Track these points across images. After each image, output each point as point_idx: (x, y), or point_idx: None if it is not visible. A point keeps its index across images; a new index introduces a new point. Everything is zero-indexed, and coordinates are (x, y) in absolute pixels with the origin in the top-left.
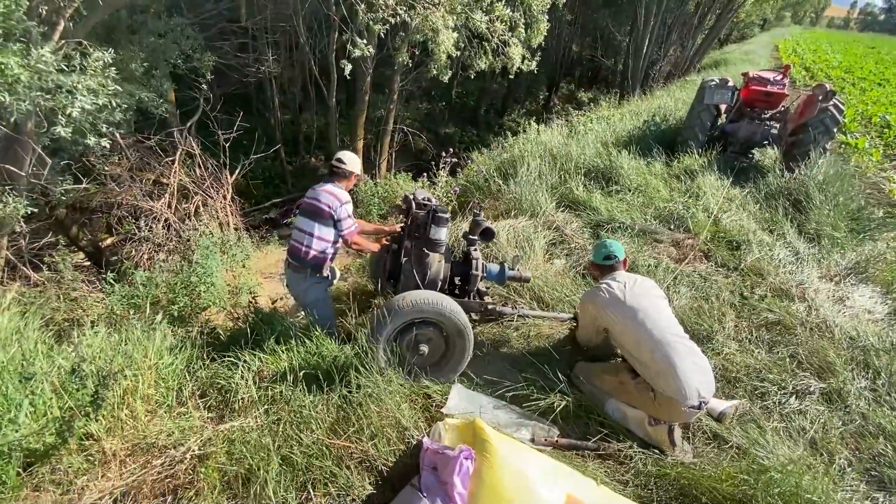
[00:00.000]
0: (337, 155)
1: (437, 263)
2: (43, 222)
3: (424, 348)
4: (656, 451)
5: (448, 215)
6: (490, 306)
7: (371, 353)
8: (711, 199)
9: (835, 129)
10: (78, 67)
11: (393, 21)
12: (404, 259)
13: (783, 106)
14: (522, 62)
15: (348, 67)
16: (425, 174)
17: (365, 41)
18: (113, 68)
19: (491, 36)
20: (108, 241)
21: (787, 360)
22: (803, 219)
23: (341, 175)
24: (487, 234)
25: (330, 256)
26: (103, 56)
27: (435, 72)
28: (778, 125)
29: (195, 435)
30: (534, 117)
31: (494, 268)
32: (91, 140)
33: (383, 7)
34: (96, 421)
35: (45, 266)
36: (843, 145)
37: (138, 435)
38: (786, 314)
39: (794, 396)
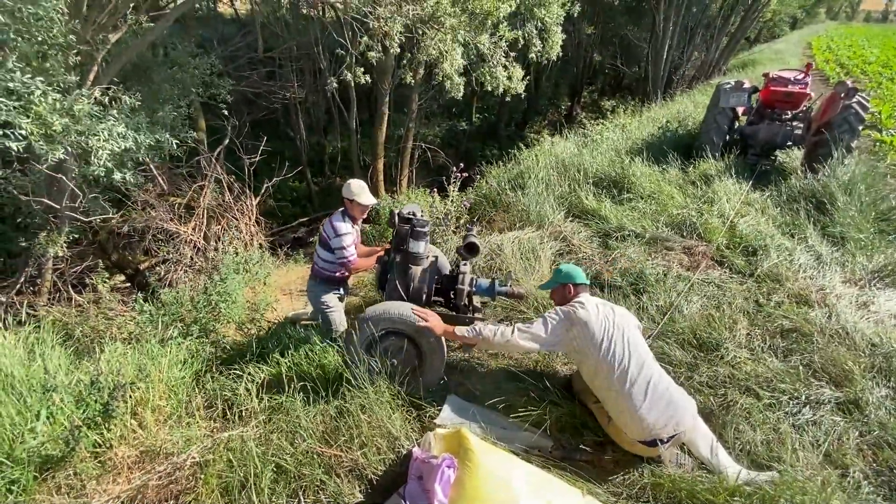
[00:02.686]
0: None
1: (421, 276)
2: (86, 247)
3: (395, 359)
4: (651, 461)
5: (426, 229)
6: (479, 321)
7: (357, 363)
8: (727, 204)
9: (859, 127)
10: (110, 115)
11: (391, 50)
12: (390, 272)
13: (805, 105)
14: (510, 81)
15: (332, 85)
16: (435, 189)
17: (363, 69)
18: (142, 113)
19: (490, 57)
20: (146, 263)
21: (801, 368)
22: (827, 221)
23: (344, 203)
24: (471, 249)
25: (335, 274)
26: (131, 101)
27: (449, 88)
28: (802, 125)
29: (198, 443)
30: (555, 128)
31: (484, 283)
32: (117, 176)
33: (380, 36)
34: (108, 430)
35: (87, 288)
36: (877, 143)
37: (146, 443)
38: (803, 321)
39: (807, 406)
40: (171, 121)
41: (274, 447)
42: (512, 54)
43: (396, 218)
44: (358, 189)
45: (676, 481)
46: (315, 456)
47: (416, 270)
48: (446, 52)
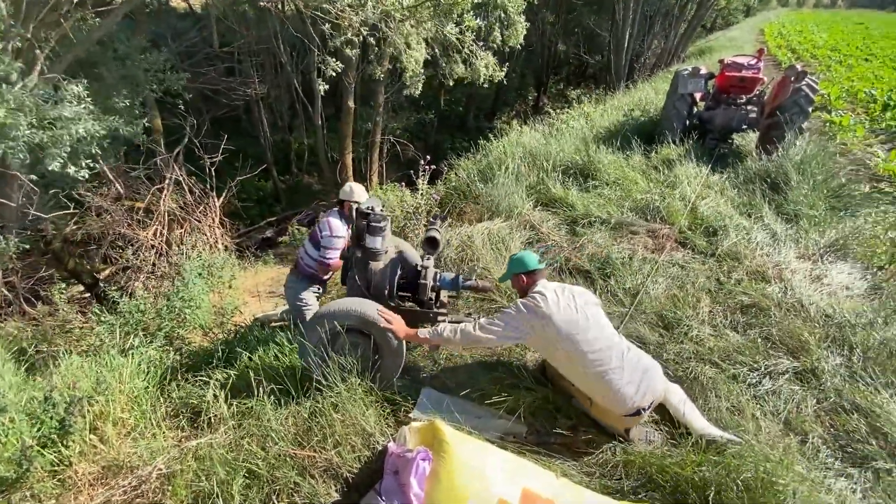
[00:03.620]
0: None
1: (382, 271)
2: (40, 257)
3: (351, 356)
4: (623, 440)
5: (384, 224)
6: (441, 317)
7: (313, 364)
8: (689, 188)
9: (809, 109)
10: (55, 101)
11: (357, 39)
12: (350, 269)
13: (758, 90)
14: (489, 70)
15: (323, 87)
16: (404, 183)
17: (335, 59)
18: (89, 99)
19: (461, 47)
20: (105, 272)
21: (761, 341)
22: (781, 200)
23: (341, 203)
24: (431, 243)
25: (317, 271)
26: (77, 89)
27: (408, 83)
28: (756, 109)
29: (164, 454)
30: (523, 119)
31: (449, 277)
32: (71, 169)
33: (346, 27)
34: (66, 447)
35: (41, 300)
36: (827, 124)
37: (108, 458)
38: (761, 296)
39: (767, 377)
40: (124, 108)
41: (245, 453)
42: (480, 44)
43: (354, 213)
44: (359, 191)
45: (647, 457)
46: (288, 458)
47: (375, 266)
48: (409, 43)
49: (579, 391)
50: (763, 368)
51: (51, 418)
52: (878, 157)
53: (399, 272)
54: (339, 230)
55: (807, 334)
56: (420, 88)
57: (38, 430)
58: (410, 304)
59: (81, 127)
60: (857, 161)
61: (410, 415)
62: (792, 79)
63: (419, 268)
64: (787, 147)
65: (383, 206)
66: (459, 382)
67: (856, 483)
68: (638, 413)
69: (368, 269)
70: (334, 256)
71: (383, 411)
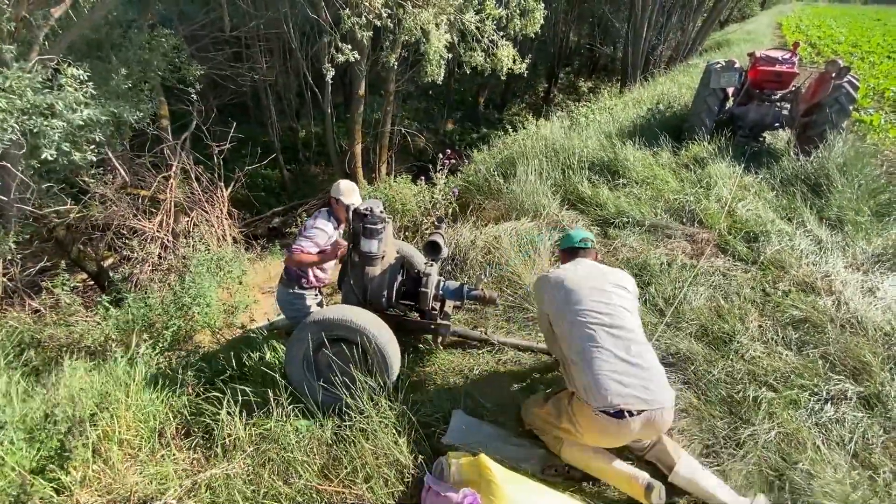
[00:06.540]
0: None
1: (379, 277)
2: (43, 244)
3: (341, 369)
4: None
5: (381, 226)
6: (443, 328)
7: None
8: (724, 189)
9: (850, 108)
10: (55, 87)
11: (379, 23)
12: (347, 273)
13: (794, 86)
14: (514, 63)
15: (331, 73)
16: (423, 177)
17: (350, 46)
18: (90, 83)
19: (481, 36)
20: (110, 259)
21: (819, 361)
22: (823, 204)
23: (330, 202)
24: (432, 249)
25: (309, 272)
26: (78, 72)
27: (428, 72)
28: (788, 106)
29: (177, 480)
30: (534, 110)
31: (453, 285)
32: (77, 156)
33: (367, 9)
34: (66, 473)
35: (43, 291)
36: (857, 123)
37: (115, 485)
38: (813, 310)
39: (829, 403)
40: (126, 91)
41: (265, 485)
42: (500, 33)
43: (351, 214)
44: (346, 189)
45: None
46: (314, 494)
47: (372, 271)
48: (429, 31)
49: (563, 395)
50: (825, 393)
51: (50, 437)
52: None
53: (399, 278)
54: (321, 224)
55: (868, 354)
56: (441, 76)
57: (38, 451)
58: (415, 313)
59: (80, 115)
60: (889, 163)
61: (442, 440)
62: (833, 75)
63: (420, 275)
64: (828, 147)
65: (383, 208)
66: (494, 405)
67: None
68: (620, 415)
69: (365, 274)
70: (305, 246)
71: (417, 436)
